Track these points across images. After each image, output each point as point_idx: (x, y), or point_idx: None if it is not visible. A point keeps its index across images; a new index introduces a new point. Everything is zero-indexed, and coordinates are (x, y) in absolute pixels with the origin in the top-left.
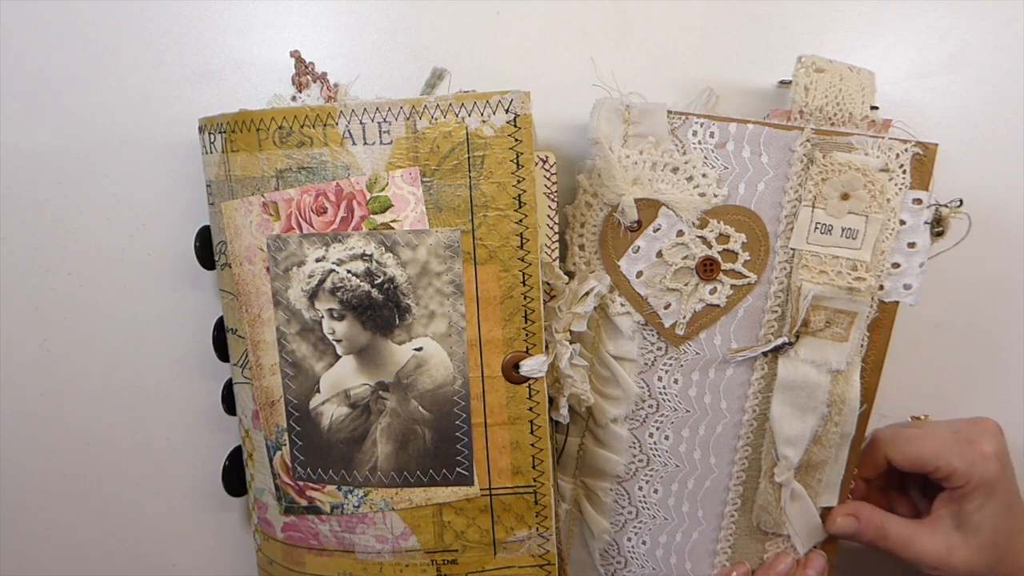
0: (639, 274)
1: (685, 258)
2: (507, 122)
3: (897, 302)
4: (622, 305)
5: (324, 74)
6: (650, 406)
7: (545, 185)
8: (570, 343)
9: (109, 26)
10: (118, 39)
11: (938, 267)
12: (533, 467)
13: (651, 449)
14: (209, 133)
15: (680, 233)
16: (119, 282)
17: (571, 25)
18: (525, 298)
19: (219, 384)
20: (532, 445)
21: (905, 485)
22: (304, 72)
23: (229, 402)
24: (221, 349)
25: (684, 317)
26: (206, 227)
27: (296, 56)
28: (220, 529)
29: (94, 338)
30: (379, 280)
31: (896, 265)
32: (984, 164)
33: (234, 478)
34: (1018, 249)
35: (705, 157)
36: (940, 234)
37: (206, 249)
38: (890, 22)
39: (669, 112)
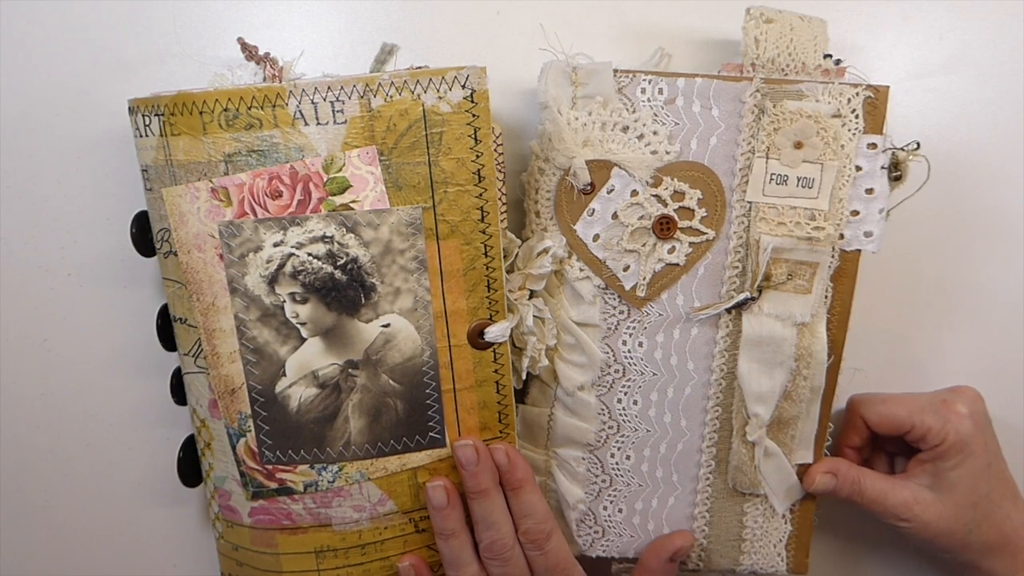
0: (596, 237)
1: (641, 218)
2: (464, 98)
3: (859, 250)
4: (581, 270)
5: (267, 54)
6: (616, 371)
7: (493, 156)
8: (529, 299)
9: (107, 26)
10: (115, 37)
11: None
12: (499, 421)
13: (620, 415)
14: (143, 115)
15: (634, 193)
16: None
17: (573, 27)
18: (487, 268)
19: (164, 374)
20: (498, 403)
21: (893, 461)
22: (250, 56)
23: (179, 392)
24: (166, 339)
25: (644, 278)
26: (142, 213)
27: (241, 42)
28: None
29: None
30: (342, 261)
31: (855, 212)
32: (984, 164)
33: (189, 469)
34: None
35: (655, 114)
36: (898, 178)
37: (144, 236)
38: (890, 22)
39: (616, 71)
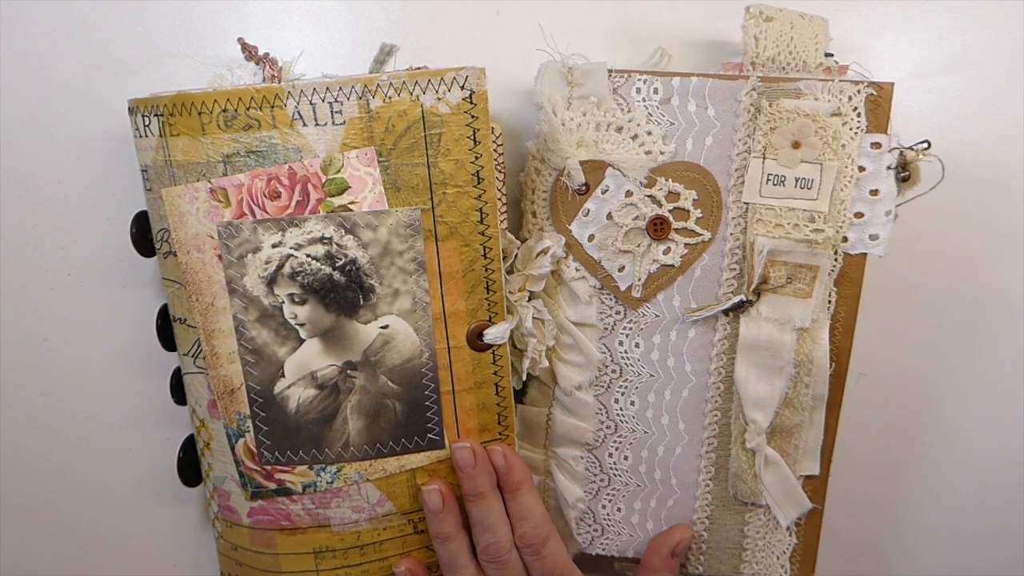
0: (591, 237)
1: (635, 219)
2: (463, 99)
3: (864, 254)
4: (577, 270)
5: (267, 54)
6: (613, 371)
7: (492, 157)
8: (529, 301)
9: (107, 26)
10: (115, 37)
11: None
12: (499, 423)
13: (618, 415)
14: (143, 115)
15: (628, 193)
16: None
17: (573, 28)
18: (486, 270)
19: (164, 374)
20: (498, 405)
21: None
22: (250, 56)
23: (179, 392)
24: (166, 339)
25: (639, 279)
26: (142, 213)
27: (241, 42)
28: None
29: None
30: (340, 262)
31: (859, 215)
32: (984, 165)
33: (189, 469)
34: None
35: (649, 114)
36: (907, 179)
37: (143, 236)
38: (890, 22)
39: (611, 71)
